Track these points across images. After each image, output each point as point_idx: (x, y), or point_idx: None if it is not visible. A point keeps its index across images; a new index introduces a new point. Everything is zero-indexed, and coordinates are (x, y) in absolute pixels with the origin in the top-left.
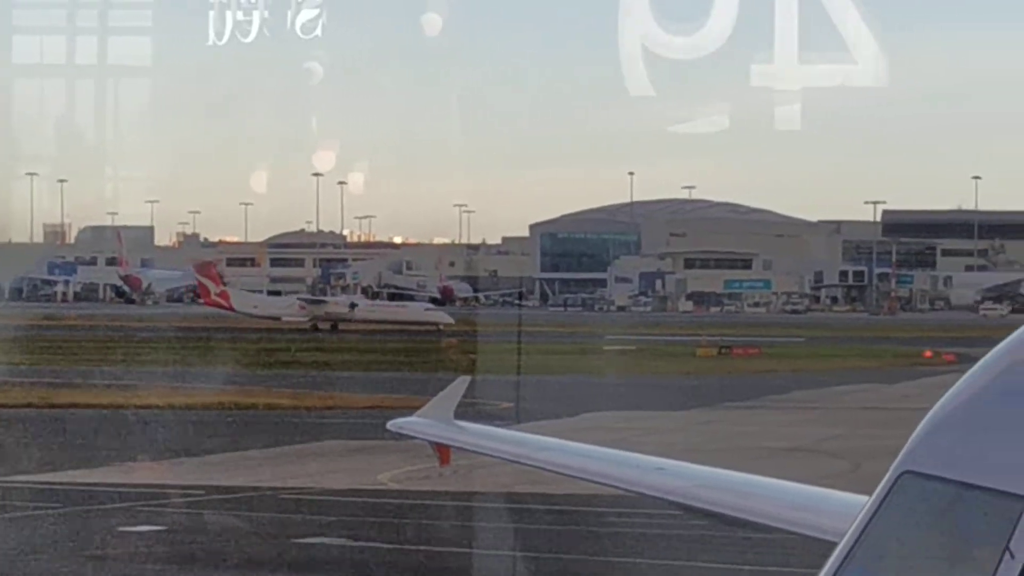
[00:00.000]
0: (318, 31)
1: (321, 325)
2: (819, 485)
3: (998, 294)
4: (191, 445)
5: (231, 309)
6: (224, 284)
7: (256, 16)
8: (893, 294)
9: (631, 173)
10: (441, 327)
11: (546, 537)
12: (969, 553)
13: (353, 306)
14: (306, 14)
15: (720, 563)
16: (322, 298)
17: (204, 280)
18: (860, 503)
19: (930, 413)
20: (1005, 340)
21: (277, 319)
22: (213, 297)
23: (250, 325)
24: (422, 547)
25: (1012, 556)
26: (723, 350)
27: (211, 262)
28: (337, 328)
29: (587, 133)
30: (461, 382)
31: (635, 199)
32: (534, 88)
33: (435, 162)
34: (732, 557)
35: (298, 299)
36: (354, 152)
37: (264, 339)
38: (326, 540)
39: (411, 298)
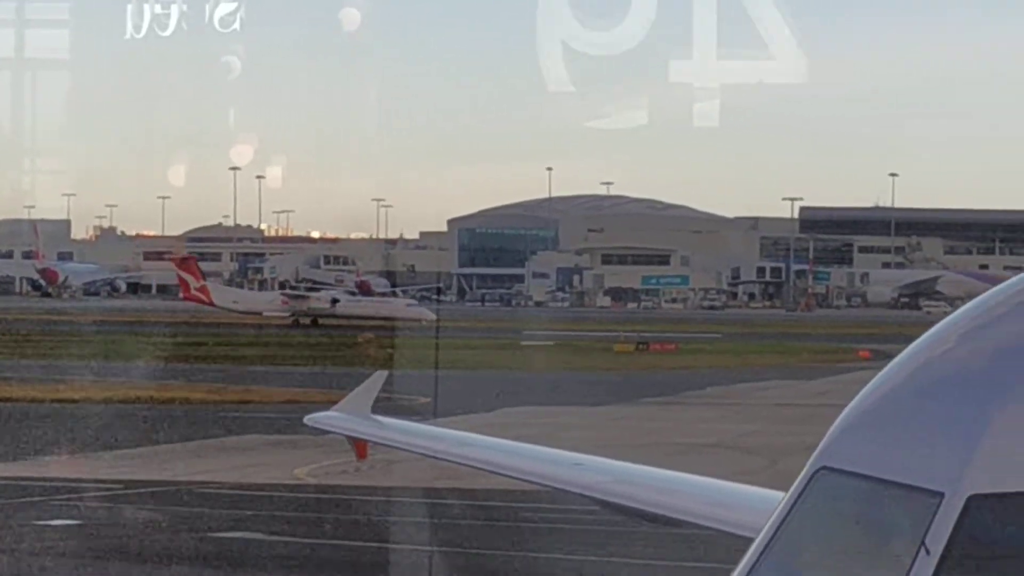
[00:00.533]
0: (236, 25)
1: (302, 321)
2: (736, 481)
3: (914, 291)
4: (108, 439)
5: (211, 304)
6: (204, 279)
7: (175, 10)
8: (810, 291)
9: (549, 169)
10: (423, 323)
11: (462, 532)
12: (885, 549)
13: (335, 301)
14: (224, 8)
15: (638, 558)
16: (305, 294)
17: (184, 275)
18: (777, 499)
19: (847, 409)
20: (921, 337)
21: (258, 314)
22: (193, 292)
23: (171, 319)
24: (337, 541)
25: (927, 552)
26: (640, 346)
27: (191, 257)
28: (317, 323)
29: (506, 129)
30: (378, 377)
31: (553, 195)
32: (453, 83)
33: (353, 157)
34: (650, 553)
35: (282, 294)
36: (272, 146)
37: (183, 333)
38: (243, 534)
39: None
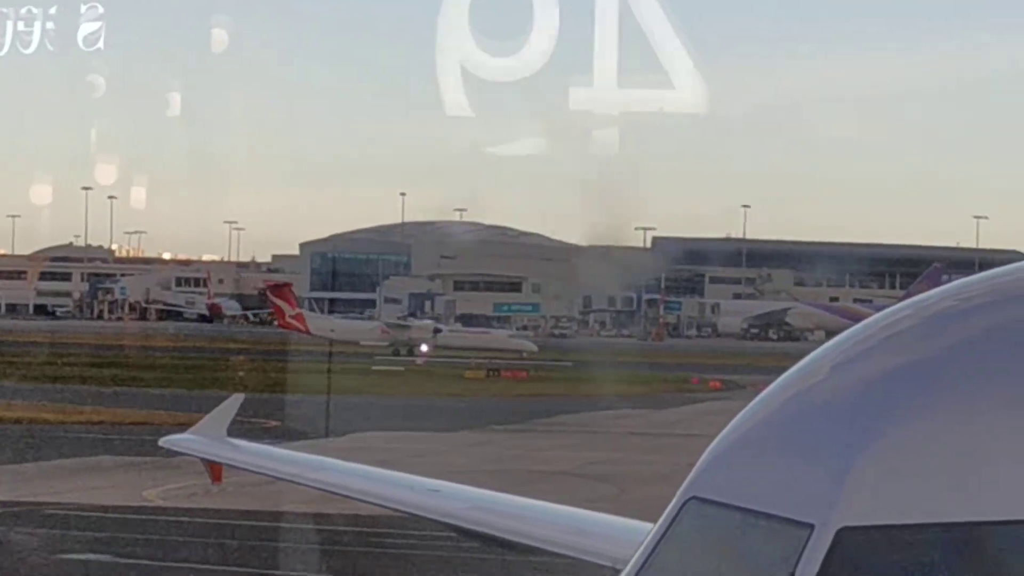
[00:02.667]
0: (100, 44)
1: (401, 352)
2: (585, 509)
3: (765, 323)
4: None
5: (307, 332)
6: (299, 307)
7: (37, 27)
8: (661, 320)
9: (403, 194)
10: (525, 355)
11: (314, 557)
12: None
13: (437, 331)
14: (89, 27)
15: None
16: (406, 323)
17: (278, 302)
18: (634, 528)
19: (717, 439)
20: (794, 367)
21: (355, 343)
22: (288, 319)
23: (27, 339)
24: (185, 564)
25: None
26: (491, 372)
27: (287, 284)
28: (412, 353)
29: (361, 153)
30: (234, 400)
31: (407, 220)
32: (310, 107)
33: (207, 178)
34: None
35: (384, 323)
36: (127, 166)
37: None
38: (91, 556)
39: (179, 315)
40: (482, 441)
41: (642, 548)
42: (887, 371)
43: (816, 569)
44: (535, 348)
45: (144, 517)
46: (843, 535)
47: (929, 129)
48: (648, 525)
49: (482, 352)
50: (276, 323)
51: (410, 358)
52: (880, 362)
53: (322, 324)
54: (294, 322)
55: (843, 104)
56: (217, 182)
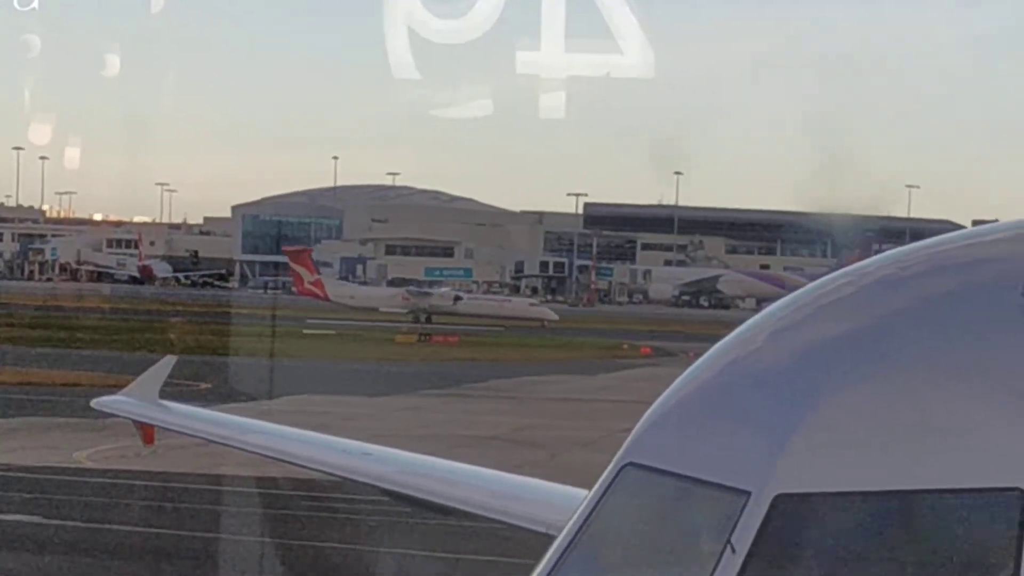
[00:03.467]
0: (35, 3)
1: (421, 318)
2: (516, 473)
3: (696, 290)
4: None
5: (326, 298)
6: (319, 272)
7: None
8: (592, 286)
9: (335, 158)
10: (545, 323)
11: (245, 519)
12: (692, 547)
13: (457, 299)
14: None
15: (424, 551)
16: (427, 291)
17: (298, 268)
18: (567, 493)
19: (653, 405)
20: (730, 334)
21: (374, 310)
22: (307, 286)
23: None
24: (114, 526)
25: (733, 550)
26: (422, 337)
27: (306, 249)
28: (431, 320)
29: (294, 116)
30: (166, 362)
31: (339, 184)
32: (244, 70)
33: (140, 140)
34: (436, 544)
35: (406, 290)
36: (60, 127)
37: None
38: (20, 517)
39: (111, 276)
40: (414, 405)
41: (578, 513)
42: (824, 340)
43: (752, 536)
44: (555, 316)
45: (74, 478)
46: (779, 502)
47: (863, 98)
48: (581, 491)
49: (498, 320)
50: (294, 289)
51: (342, 322)
52: (817, 331)
53: (342, 291)
54: (313, 288)
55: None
56: (150, 144)
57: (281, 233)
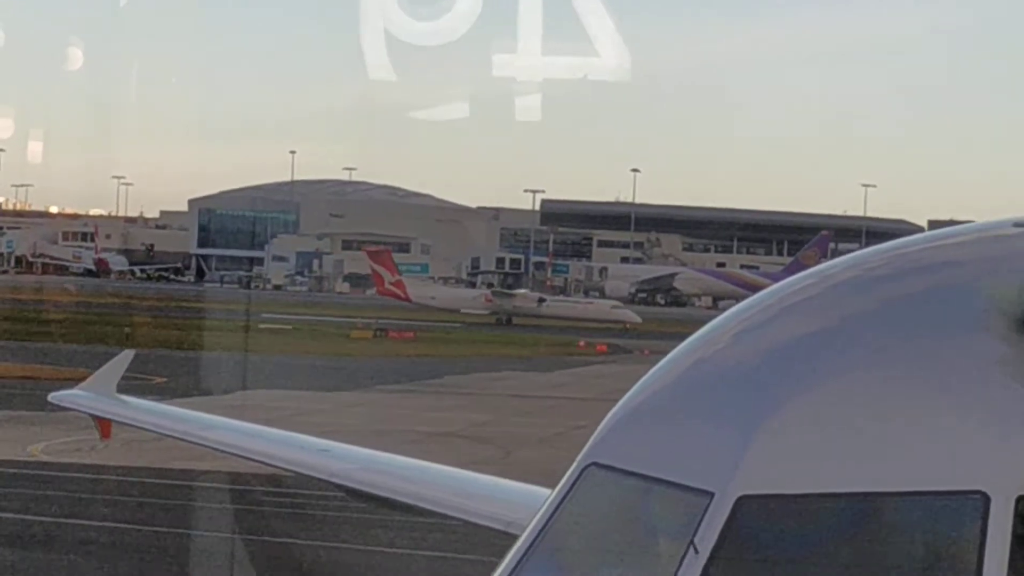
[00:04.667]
0: None
1: (503, 320)
2: (471, 470)
3: (652, 287)
4: None
5: (407, 299)
6: (399, 273)
7: None
8: (548, 283)
9: (292, 152)
10: (628, 326)
11: (200, 515)
12: (654, 547)
13: (541, 300)
14: None
15: (383, 547)
16: (511, 292)
17: (378, 268)
18: (526, 491)
19: (617, 405)
20: (694, 334)
21: (456, 311)
22: (387, 286)
23: None
24: (66, 520)
25: (696, 551)
26: (378, 333)
27: (386, 249)
28: (511, 323)
29: (250, 110)
30: (125, 356)
31: (296, 179)
32: (204, 64)
33: (97, 133)
34: (394, 541)
35: (489, 291)
36: (16, 120)
37: None
38: None
39: (66, 269)
40: (369, 401)
41: (540, 513)
42: (788, 342)
43: (715, 536)
44: (638, 319)
45: (28, 471)
46: (742, 503)
47: (821, 98)
48: (542, 489)
49: (579, 322)
50: (375, 290)
51: (298, 317)
52: (781, 333)
53: (423, 291)
54: (394, 289)
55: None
56: (107, 137)
57: (237, 227)
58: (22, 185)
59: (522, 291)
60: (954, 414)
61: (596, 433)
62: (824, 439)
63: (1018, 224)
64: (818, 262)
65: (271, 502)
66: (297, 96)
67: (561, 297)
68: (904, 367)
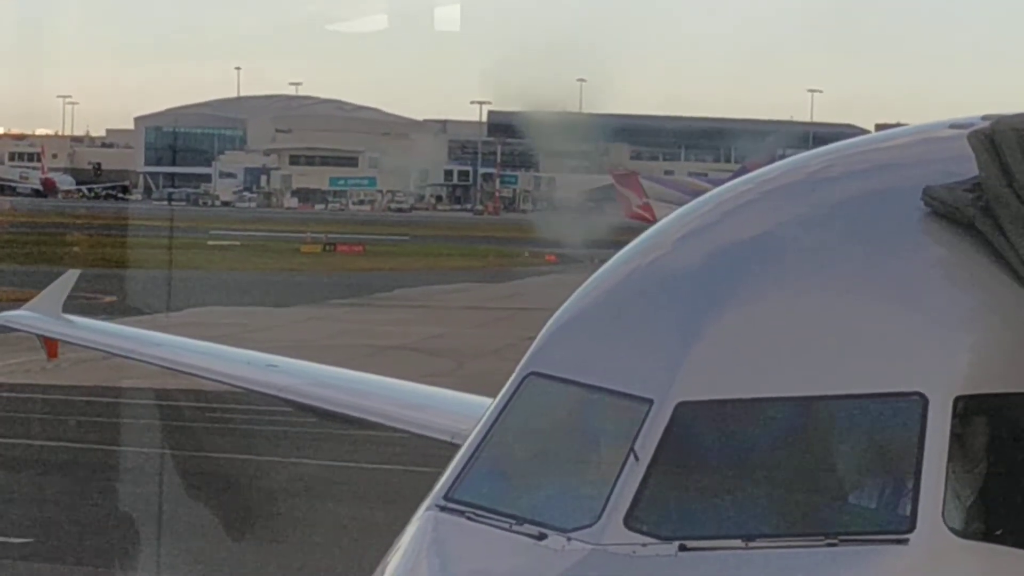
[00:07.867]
0: None
1: None
2: (424, 383)
3: (602, 196)
4: None
5: (655, 222)
6: (647, 197)
7: None
8: (496, 194)
9: (238, 68)
10: None
11: (149, 432)
12: (595, 454)
13: None
14: None
15: (330, 460)
16: None
17: (625, 191)
18: (472, 402)
19: (556, 314)
20: (631, 243)
21: None
22: (635, 210)
23: None
24: (17, 440)
25: (636, 458)
26: (327, 247)
27: (634, 172)
28: None
29: (196, 27)
30: (70, 275)
31: (242, 94)
32: None
33: (41, 52)
34: (342, 454)
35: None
36: None
37: None
38: None
39: (13, 190)
40: (320, 316)
41: (482, 422)
42: (726, 248)
43: (655, 443)
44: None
45: None
46: (681, 409)
47: (770, 5)
48: (487, 400)
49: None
50: (623, 213)
51: (247, 233)
52: (719, 239)
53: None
54: (641, 212)
55: None
56: (51, 56)
57: (184, 144)
58: None
59: None
60: (892, 317)
61: (535, 342)
62: (762, 345)
63: (954, 126)
64: None
65: (216, 417)
66: (243, 11)
67: None
68: (842, 271)
